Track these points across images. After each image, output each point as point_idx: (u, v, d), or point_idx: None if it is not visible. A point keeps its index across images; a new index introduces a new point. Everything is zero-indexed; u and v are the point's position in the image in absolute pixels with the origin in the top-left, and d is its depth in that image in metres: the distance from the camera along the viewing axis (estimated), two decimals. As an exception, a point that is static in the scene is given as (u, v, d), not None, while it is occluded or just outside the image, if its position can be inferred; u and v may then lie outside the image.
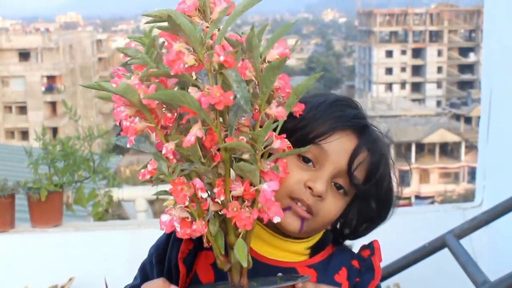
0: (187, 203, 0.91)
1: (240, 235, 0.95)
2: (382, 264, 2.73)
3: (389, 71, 58.26)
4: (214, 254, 0.97)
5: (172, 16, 0.86)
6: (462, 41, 59.82)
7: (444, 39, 58.78)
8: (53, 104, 42.18)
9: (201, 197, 0.92)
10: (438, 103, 56.63)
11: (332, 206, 1.11)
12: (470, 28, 59.47)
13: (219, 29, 0.92)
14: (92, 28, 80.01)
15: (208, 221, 0.95)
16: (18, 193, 3.10)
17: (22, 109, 41.99)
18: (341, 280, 1.15)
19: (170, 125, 0.93)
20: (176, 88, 0.94)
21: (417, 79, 58.13)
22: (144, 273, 1.18)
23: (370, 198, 1.16)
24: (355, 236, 1.21)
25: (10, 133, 41.77)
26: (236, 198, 0.94)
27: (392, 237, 3.21)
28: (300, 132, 1.09)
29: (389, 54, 58.46)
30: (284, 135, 0.95)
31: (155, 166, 0.93)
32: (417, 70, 58.26)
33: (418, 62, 58.09)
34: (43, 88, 42.26)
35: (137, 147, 0.94)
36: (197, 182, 0.91)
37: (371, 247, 1.19)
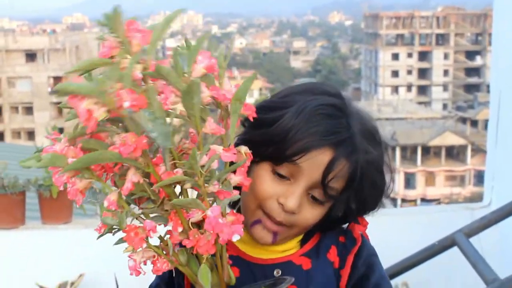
0: (145, 245, 0.90)
1: (206, 258, 0.93)
2: (391, 263, 2.73)
3: (395, 73, 58.20)
4: (191, 281, 0.97)
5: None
6: (468, 45, 59.75)
7: (451, 42, 58.71)
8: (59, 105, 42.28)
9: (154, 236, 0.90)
10: (444, 106, 56.57)
11: (308, 216, 1.10)
12: (477, 31, 59.39)
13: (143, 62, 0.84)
14: (98, 29, 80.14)
15: (178, 252, 0.93)
16: (29, 191, 3.12)
17: (29, 110, 42.13)
18: (333, 257, 1.16)
19: (113, 173, 0.90)
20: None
21: (423, 82, 58.08)
22: None
23: (352, 201, 1.14)
24: (344, 222, 1.20)
25: (17, 133, 41.91)
26: (199, 222, 0.90)
27: (401, 236, 3.22)
28: (277, 145, 1.06)
29: (395, 57, 58.41)
30: (232, 147, 0.91)
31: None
32: (423, 73, 58.20)
33: (424, 65, 58.04)
34: (49, 89, 42.37)
35: (92, 200, 0.89)
36: (147, 224, 0.88)
37: (356, 220, 1.19)
